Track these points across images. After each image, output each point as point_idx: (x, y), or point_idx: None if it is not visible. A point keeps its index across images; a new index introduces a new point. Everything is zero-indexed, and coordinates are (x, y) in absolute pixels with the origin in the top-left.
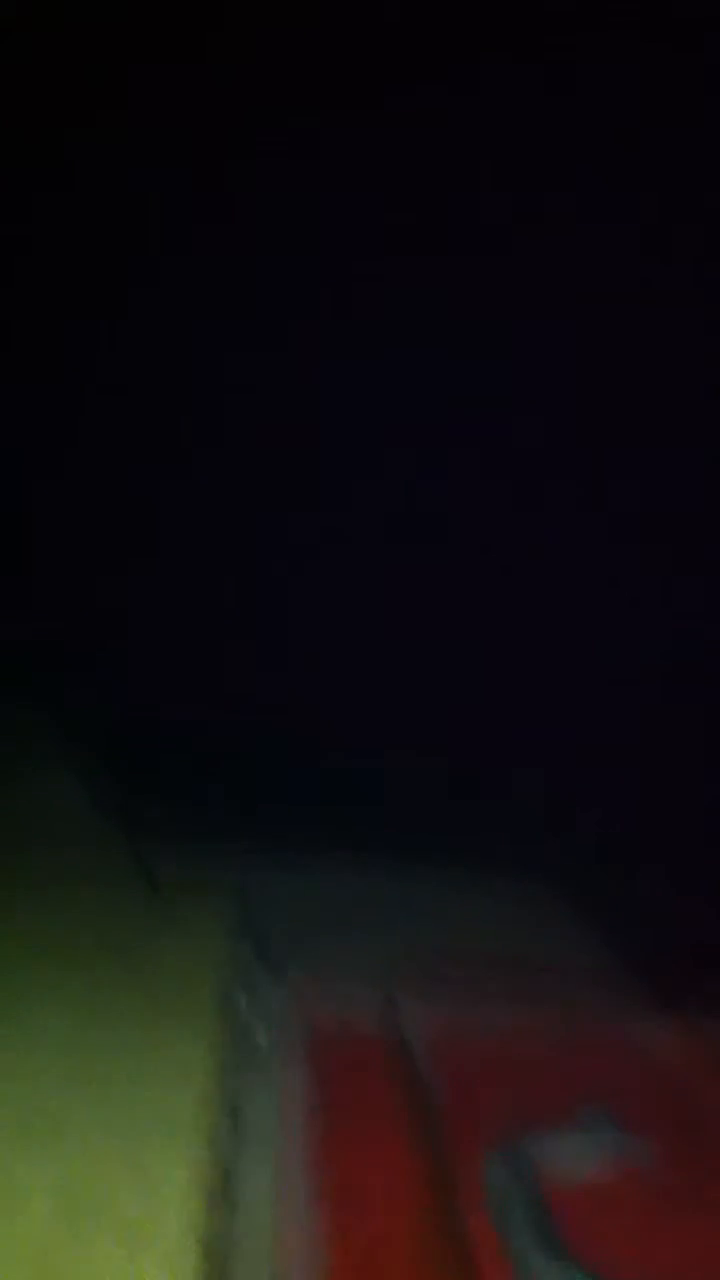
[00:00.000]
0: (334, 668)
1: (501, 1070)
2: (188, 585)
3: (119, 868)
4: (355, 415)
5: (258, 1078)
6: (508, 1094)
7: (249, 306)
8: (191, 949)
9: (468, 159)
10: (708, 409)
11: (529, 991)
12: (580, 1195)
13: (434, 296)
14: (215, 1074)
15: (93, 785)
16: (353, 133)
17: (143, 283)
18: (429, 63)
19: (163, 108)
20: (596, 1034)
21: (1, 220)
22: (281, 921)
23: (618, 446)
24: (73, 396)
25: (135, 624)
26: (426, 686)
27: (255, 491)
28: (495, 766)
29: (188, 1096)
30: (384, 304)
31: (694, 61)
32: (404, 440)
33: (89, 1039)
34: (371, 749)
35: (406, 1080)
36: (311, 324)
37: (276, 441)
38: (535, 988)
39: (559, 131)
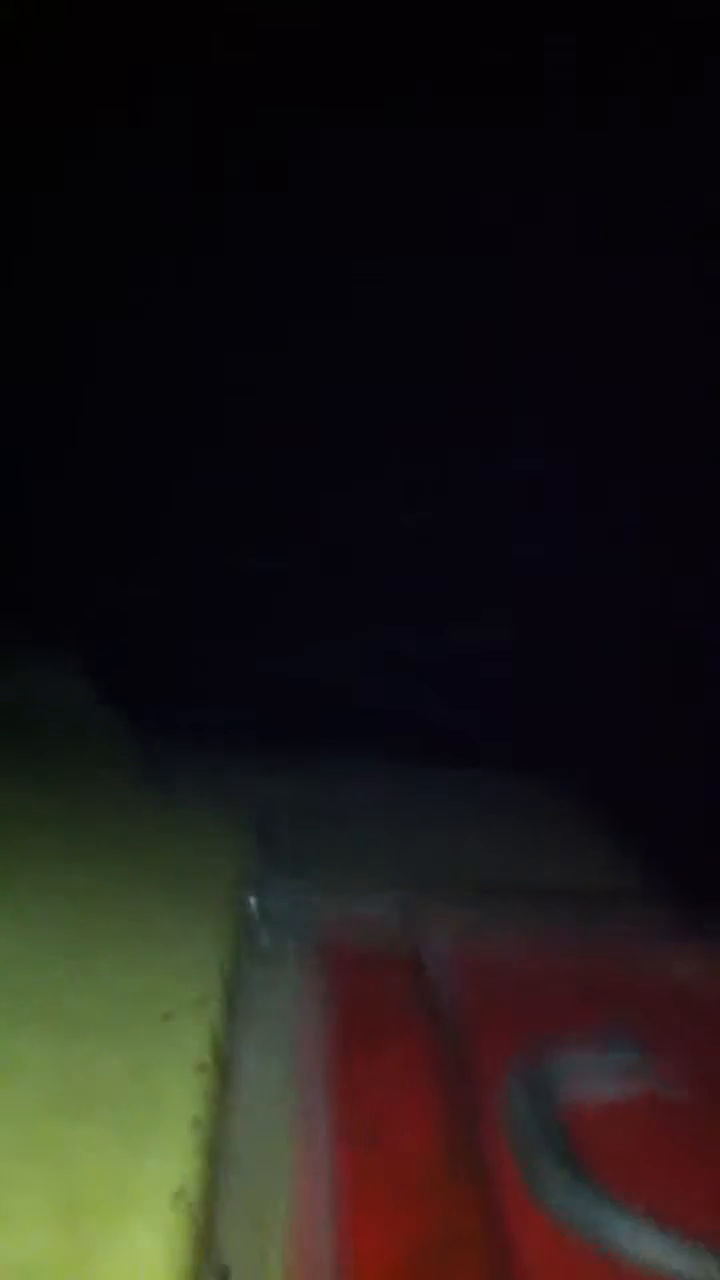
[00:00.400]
0: (331, 671)
1: (522, 983)
2: (188, 584)
3: (126, 765)
4: (355, 415)
5: (269, 975)
6: (529, 1008)
7: (249, 306)
8: (201, 845)
9: (468, 159)
10: (709, 408)
11: (549, 906)
12: (600, 1116)
13: (434, 296)
14: (223, 968)
15: (98, 684)
16: (353, 133)
17: (143, 283)
18: (429, 63)
19: (163, 108)
20: (620, 952)
21: (0, 220)
22: (294, 825)
23: (618, 445)
24: (73, 396)
25: (133, 622)
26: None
27: (255, 490)
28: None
29: (192, 987)
30: (384, 304)
31: (694, 61)
32: (403, 440)
33: (94, 926)
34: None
35: (424, 987)
36: (311, 324)
37: (276, 441)
38: (555, 903)
39: (559, 131)
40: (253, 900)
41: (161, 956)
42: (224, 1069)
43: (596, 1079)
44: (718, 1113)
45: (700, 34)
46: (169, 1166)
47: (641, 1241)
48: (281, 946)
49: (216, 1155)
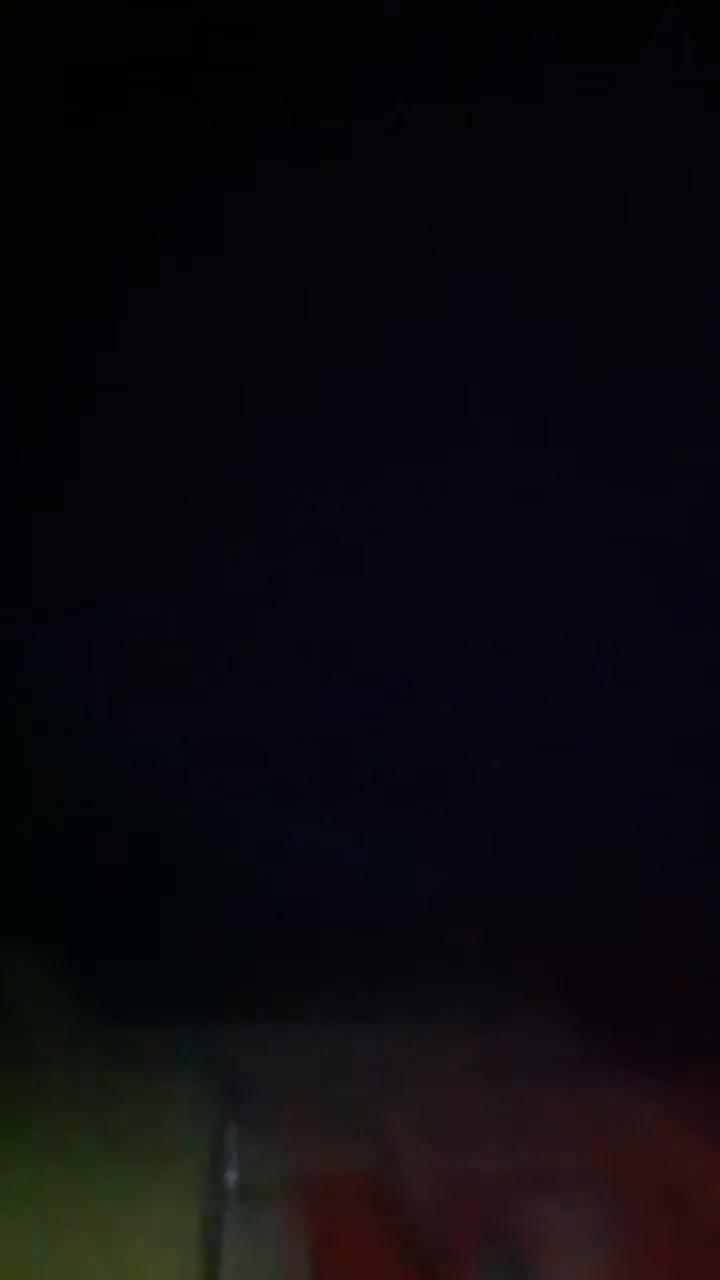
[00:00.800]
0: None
1: (490, 1200)
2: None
3: (93, 1044)
4: (356, 420)
5: (253, 1229)
6: (497, 1219)
7: (248, 306)
8: (176, 1118)
9: (468, 158)
10: (711, 407)
11: (517, 1126)
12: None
13: (434, 296)
14: (209, 1231)
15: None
16: (353, 135)
17: (143, 283)
18: (429, 65)
19: (163, 107)
20: (586, 1149)
21: (3, 221)
22: (264, 1081)
23: (618, 446)
24: (73, 396)
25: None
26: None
27: (254, 490)
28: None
29: (181, 1253)
30: (384, 305)
31: (694, 62)
32: (403, 449)
33: (73, 1220)
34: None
35: (400, 1224)
36: (311, 324)
37: (276, 442)
38: (524, 1122)
39: (558, 132)
40: (233, 1165)
41: (143, 1239)
42: None
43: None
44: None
45: (701, 33)
46: None
47: None
48: (261, 1198)
49: None
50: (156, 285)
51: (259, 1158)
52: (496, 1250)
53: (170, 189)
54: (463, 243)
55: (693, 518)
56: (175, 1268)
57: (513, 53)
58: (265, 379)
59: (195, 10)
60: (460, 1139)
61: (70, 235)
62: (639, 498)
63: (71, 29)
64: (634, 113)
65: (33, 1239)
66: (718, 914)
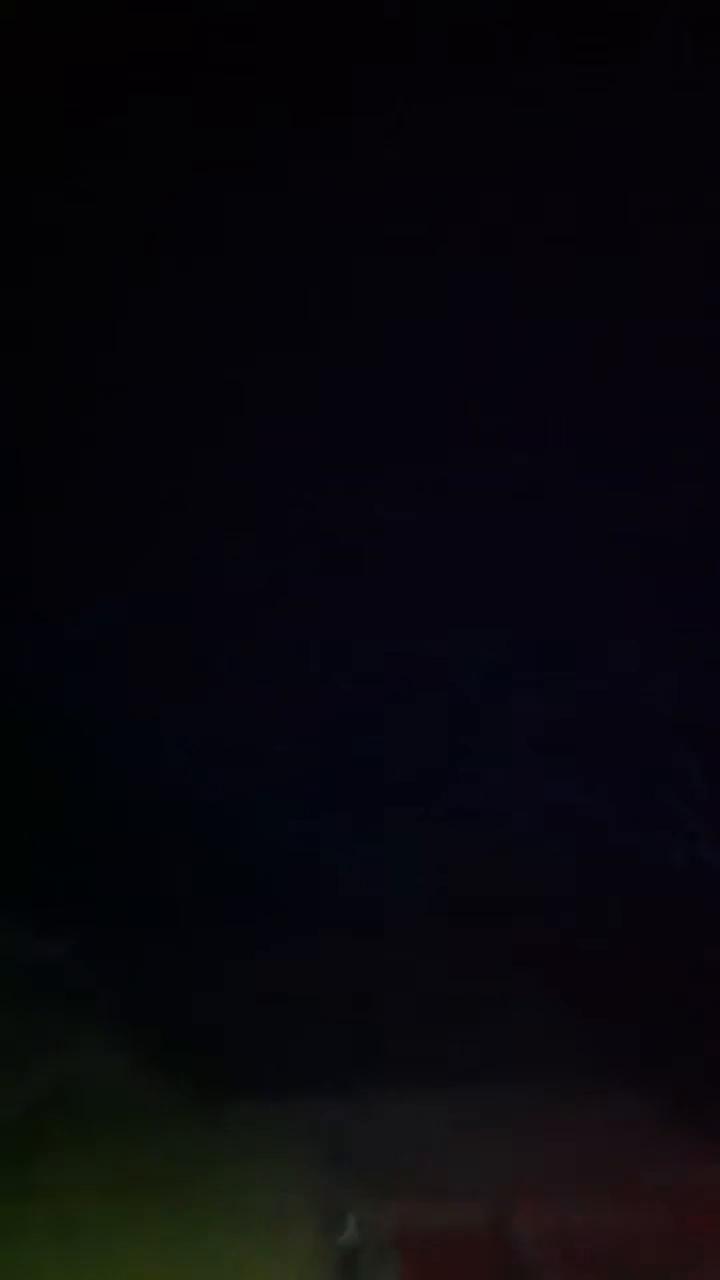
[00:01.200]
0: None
1: (609, 1266)
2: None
3: (183, 1112)
4: (356, 420)
5: None
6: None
7: (248, 306)
8: (284, 1182)
9: (468, 157)
10: (711, 407)
11: (631, 1190)
12: None
13: (434, 295)
14: None
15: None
16: (353, 135)
17: (142, 283)
18: (429, 65)
19: (162, 108)
20: (701, 1219)
21: (3, 221)
22: (377, 1144)
23: (618, 446)
24: (73, 396)
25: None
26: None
27: (256, 492)
28: None
29: None
30: (384, 305)
31: (694, 62)
32: (403, 449)
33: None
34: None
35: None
36: (311, 324)
37: (276, 442)
38: (638, 1186)
39: (558, 132)
40: (350, 1227)
41: None
42: None
43: None
44: None
45: (701, 33)
46: None
47: None
48: (380, 1263)
49: None
50: (156, 285)
51: (380, 1224)
52: None
53: (170, 189)
54: (463, 243)
55: (693, 518)
56: None
57: (513, 53)
58: (265, 379)
59: (195, 10)
60: (591, 1224)
61: (70, 235)
62: (639, 498)
63: (71, 29)
64: (634, 113)
65: None
66: (718, 914)
